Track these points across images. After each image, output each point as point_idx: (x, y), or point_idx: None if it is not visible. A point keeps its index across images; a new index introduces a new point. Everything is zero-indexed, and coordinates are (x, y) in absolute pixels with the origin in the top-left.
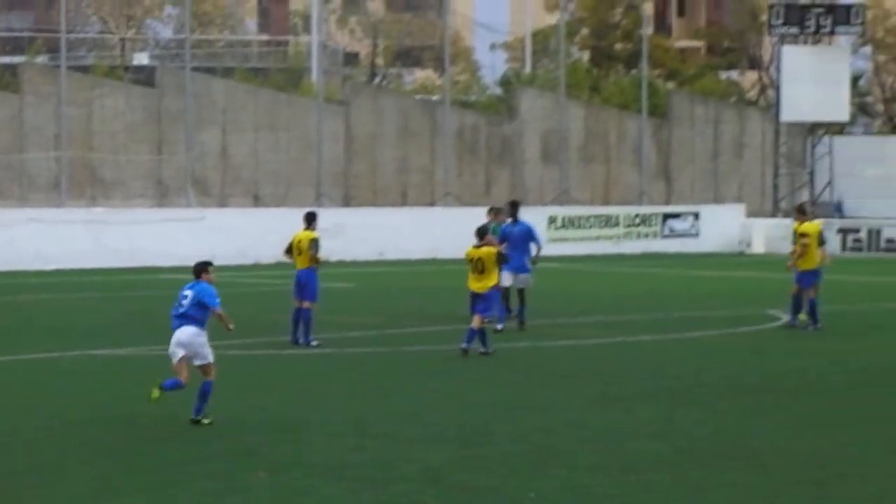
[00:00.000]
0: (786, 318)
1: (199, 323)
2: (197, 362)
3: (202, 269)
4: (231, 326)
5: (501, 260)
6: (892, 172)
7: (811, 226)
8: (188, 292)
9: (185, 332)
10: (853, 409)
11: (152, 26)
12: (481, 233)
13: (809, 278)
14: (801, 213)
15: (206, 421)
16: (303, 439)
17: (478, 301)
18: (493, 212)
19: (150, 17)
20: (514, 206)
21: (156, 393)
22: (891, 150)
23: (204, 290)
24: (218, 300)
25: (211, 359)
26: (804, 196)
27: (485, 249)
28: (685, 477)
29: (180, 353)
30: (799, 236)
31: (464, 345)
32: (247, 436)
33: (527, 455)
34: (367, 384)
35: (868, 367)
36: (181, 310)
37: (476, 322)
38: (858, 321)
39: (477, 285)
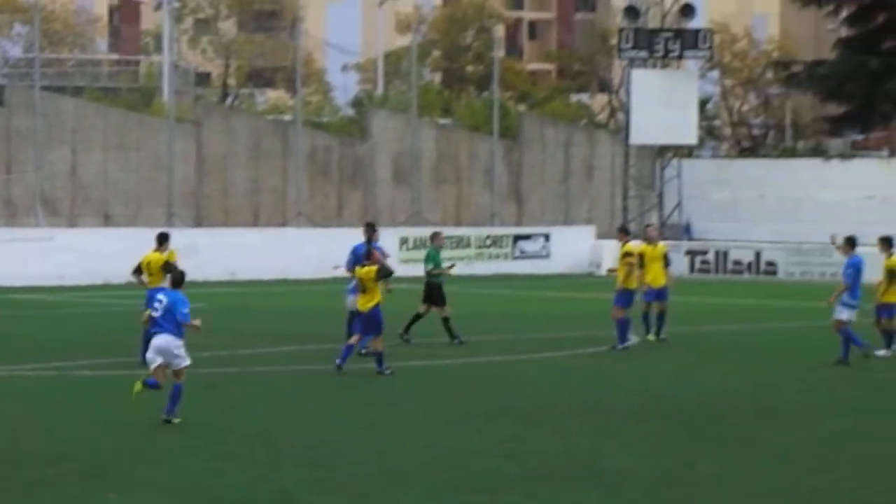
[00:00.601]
0: (631, 340)
1: (173, 331)
2: (171, 367)
3: (182, 279)
4: (198, 325)
5: (382, 275)
6: (740, 195)
7: (633, 246)
8: (161, 297)
9: (162, 339)
10: (701, 429)
11: (1, 45)
12: (367, 254)
13: (629, 298)
14: (623, 232)
15: (175, 420)
16: (154, 460)
17: (359, 320)
18: (434, 237)
19: None
20: (370, 228)
21: (138, 386)
22: (738, 173)
23: (177, 300)
24: (187, 310)
25: (185, 364)
26: (653, 218)
27: (364, 269)
28: (534, 496)
29: (158, 359)
30: (623, 256)
31: (338, 361)
32: (96, 456)
33: (379, 475)
34: (219, 405)
35: (714, 388)
36: (156, 314)
37: (376, 345)
38: (706, 342)
39: (359, 303)
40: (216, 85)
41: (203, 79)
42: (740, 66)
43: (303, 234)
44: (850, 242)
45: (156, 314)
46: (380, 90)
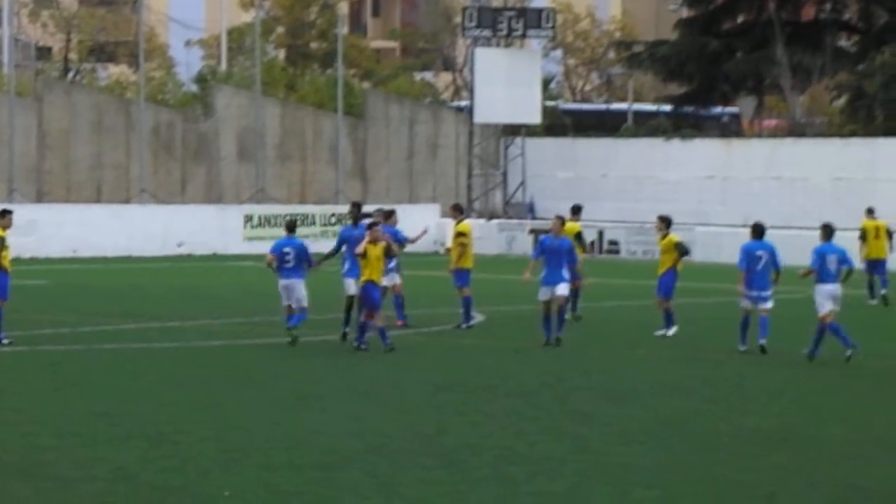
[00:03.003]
0: (476, 318)
1: (300, 274)
2: (294, 304)
3: (295, 224)
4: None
5: (386, 254)
6: (583, 174)
7: (467, 225)
8: (288, 248)
9: (291, 281)
10: (544, 407)
11: None
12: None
13: (466, 276)
14: (457, 210)
15: (295, 333)
16: None
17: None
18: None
19: None
20: (356, 208)
21: (294, 332)
22: (581, 152)
23: (304, 247)
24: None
25: (305, 304)
26: (497, 197)
27: (374, 247)
28: (376, 474)
29: (287, 298)
30: (456, 235)
31: (357, 343)
32: None
33: (220, 454)
34: (60, 383)
35: (557, 367)
36: (288, 265)
37: (365, 317)
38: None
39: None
40: (57, 59)
41: (44, 53)
42: (583, 45)
43: (146, 211)
44: (563, 220)
45: (289, 265)
46: (223, 66)
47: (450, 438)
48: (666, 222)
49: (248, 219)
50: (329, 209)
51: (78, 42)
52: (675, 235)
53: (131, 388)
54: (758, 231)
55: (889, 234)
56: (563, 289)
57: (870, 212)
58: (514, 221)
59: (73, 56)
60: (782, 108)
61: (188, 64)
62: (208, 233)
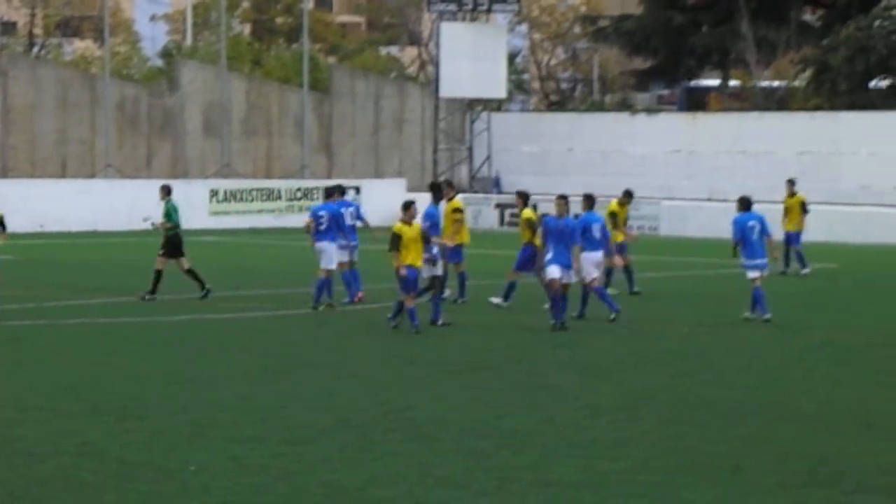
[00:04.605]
0: (447, 292)
1: (335, 238)
2: (326, 265)
3: (334, 191)
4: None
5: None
6: (548, 148)
7: (460, 201)
8: (323, 212)
9: (324, 244)
10: (511, 381)
11: None
12: (405, 205)
13: (462, 252)
14: (449, 187)
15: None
16: None
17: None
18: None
19: None
20: (435, 189)
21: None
22: (546, 126)
23: (337, 212)
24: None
25: (346, 258)
26: (463, 171)
27: (410, 228)
28: (345, 448)
29: (333, 264)
30: (453, 211)
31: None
32: None
33: (187, 428)
34: (25, 357)
35: (523, 341)
36: (322, 228)
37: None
38: (518, 296)
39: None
40: (22, 34)
41: (9, 28)
42: (548, 20)
43: (112, 186)
44: (566, 200)
45: (322, 227)
46: (188, 41)
47: (418, 412)
48: (523, 198)
49: (214, 193)
50: (295, 184)
51: (43, 17)
52: (528, 211)
53: (97, 363)
54: (745, 203)
55: (805, 209)
56: (570, 276)
57: (793, 183)
58: (481, 195)
59: (38, 31)
60: (747, 80)
61: (153, 39)
62: None
